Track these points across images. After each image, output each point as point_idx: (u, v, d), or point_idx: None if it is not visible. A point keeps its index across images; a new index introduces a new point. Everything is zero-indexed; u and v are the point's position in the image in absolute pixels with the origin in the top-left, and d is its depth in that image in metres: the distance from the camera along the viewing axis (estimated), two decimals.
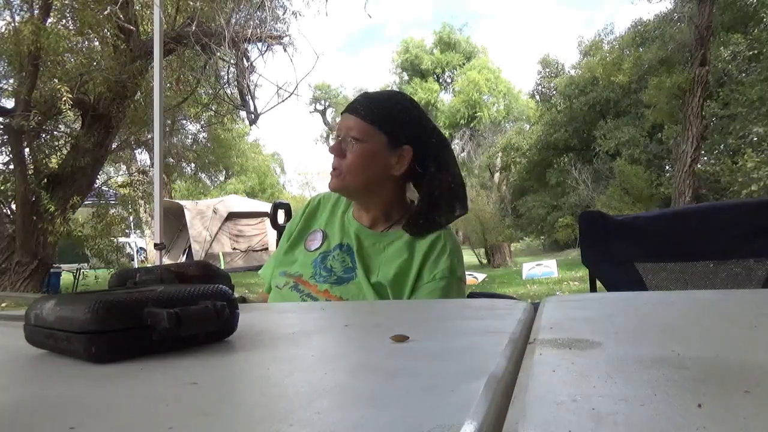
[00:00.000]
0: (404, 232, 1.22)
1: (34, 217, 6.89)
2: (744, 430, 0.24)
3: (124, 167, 13.05)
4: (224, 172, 26.33)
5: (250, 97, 7.93)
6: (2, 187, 7.37)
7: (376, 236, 1.24)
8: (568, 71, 20.81)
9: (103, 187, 9.32)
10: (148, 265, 0.78)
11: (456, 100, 27.22)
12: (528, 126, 23.99)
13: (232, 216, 13.96)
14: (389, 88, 30.01)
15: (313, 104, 30.81)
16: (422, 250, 1.18)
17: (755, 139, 11.25)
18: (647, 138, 15.87)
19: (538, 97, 22.83)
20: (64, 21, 7.19)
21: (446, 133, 26.87)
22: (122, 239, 10.46)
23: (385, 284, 1.16)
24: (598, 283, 1.45)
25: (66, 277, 9.12)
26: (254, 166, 28.38)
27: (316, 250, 1.27)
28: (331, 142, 1.29)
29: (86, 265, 9.45)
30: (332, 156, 1.23)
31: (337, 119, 1.23)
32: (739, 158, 11.10)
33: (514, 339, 0.46)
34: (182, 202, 14.39)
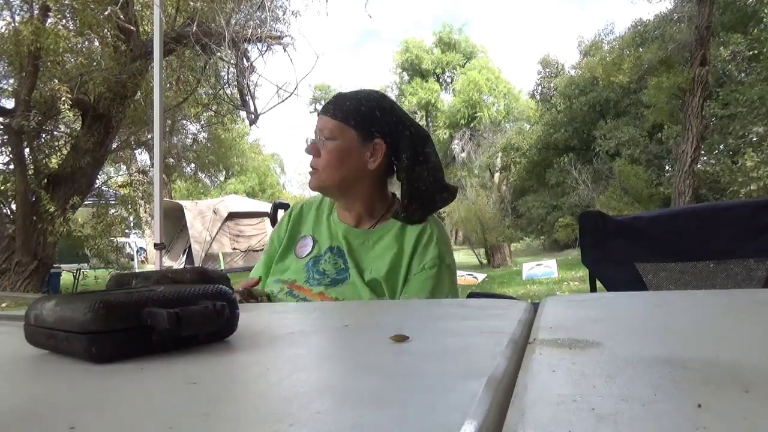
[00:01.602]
0: (391, 226, 1.24)
1: (34, 217, 6.89)
2: (744, 430, 0.24)
3: (124, 167, 13.06)
4: (224, 172, 26.33)
5: (250, 97, 7.93)
6: (2, 187, 7.37)
7: (364, 234, 1.25)
8: (568, 71, 20.79)
9: (103, 187, 9.33)
10: (146, 269, 0.79)
11: (456, 100, 27.19)
12: (528, 126, 23.96)
13: (232, 216, 13.96)
14: (389, 89, 30.06)
15: (313, 104, 30.81)
16: (411, 242, 1.20)
17: (755, 139, 11.23)
18: (647, 138, 15.86)
19: (538, 97, 22.80)
20: (64, 21, 7.19)
21: (446, 133, 26.91)
22: (122, 239, 10.47)
23: (379, 280, 1.17)
24: (598, 283, 1.45)
25: (66, 278, 9.12)
26: (254, 166, 28.39)
27: (307, 255, 1.28)
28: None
29: (86, 265, 9.46)
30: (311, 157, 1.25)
31: None
32: (739, 158, 11.10)
33: (514, 339, 0.46)
34: (182, 202, 14.39)
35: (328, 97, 1.35)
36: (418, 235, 1.20)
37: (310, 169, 1.25)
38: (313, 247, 1.28)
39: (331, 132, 1.21)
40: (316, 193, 1.34)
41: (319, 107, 1.34)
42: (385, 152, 1.23)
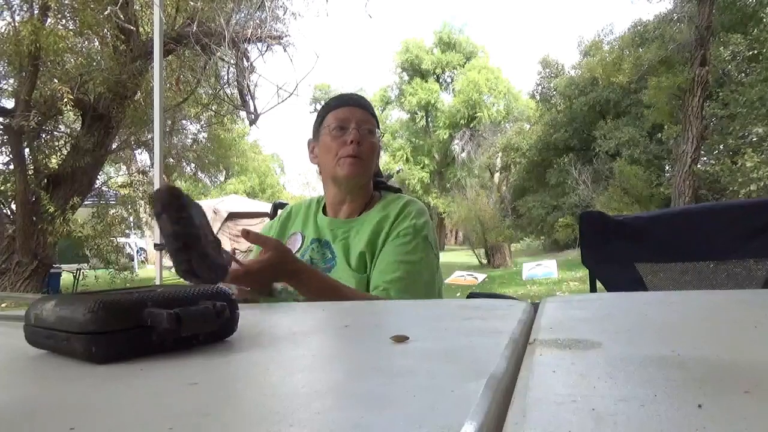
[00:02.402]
0: (374, 211, 1.31)
1: (34, 218, 6.89)
2: (744, 430, 0.24)
3: (124, 167, 13.04)
4: (224, 172, 26.34)
5: (250, 97, 7.93)
6: (2, 187, 7.37)
7: (349, 223, 1.31)
8: (568, 71, 20.78)
9: (103, 187, 9.33)
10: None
11: (456, 100, 27.16)
12: (528, 126, 23.94)
13: (232, 216, 13.96)
14: (389, 89, 30.02)
15: (313, 104, 30.77)
16: (392, 215, 1.27)
17: (755, 139, 11.23)
18: (647, 138, 15.85)
19: (538, 97, 22.79)
20: (63, 21, 7.19)
21: (446, 133, 26.89)
22: (122, 239, 10.47)
23: (363, 251, 1.22)
24: (598, 283, 1.45)
25: (66, 278, 9.12)
26: (254, 166, 28.38)
27: (298, 250, 1.32)
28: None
29: (86, 265, 9.45)
30: (343, 145, 1.28)
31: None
32: (739, 158, 11.09)
33: (514, 339, 0.46)
34: None
35: (329, 97, 1.41)
36: (399, 209, 1.28)
37: (350, 157, 1.27)
38: (302, 241, 1.33)
39: (373, 127, 1.32)
40: (317, 194, 1.38)
41: (319, 106, 1.42)
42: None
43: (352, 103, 1.32)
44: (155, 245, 3.88)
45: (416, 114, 27.97)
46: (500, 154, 22.92)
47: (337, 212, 1.34)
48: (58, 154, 7.95)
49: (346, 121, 1.28)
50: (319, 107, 1.42)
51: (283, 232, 1.41)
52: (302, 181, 36.03)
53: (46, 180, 7.21)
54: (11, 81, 7.70)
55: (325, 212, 1.37)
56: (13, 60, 6.72)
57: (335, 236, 1.29)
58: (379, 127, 1.35)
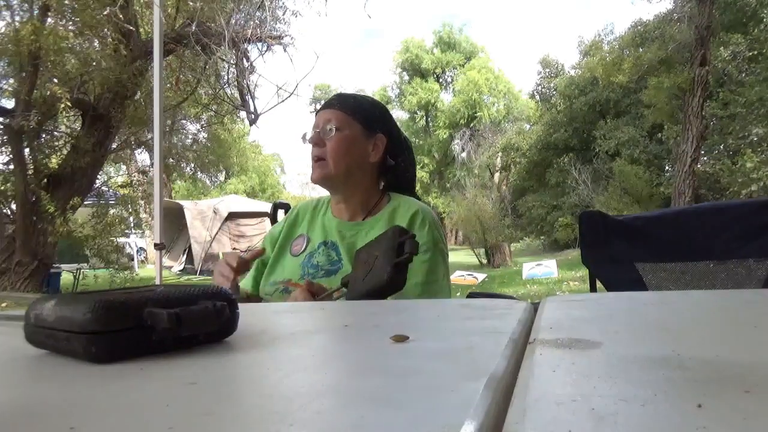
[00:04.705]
0: (383, 215, 1.28)
1: (34, 218, 6.90)
2: (744, 430, 0.24)
3: (124, 167, 13.05)
4: (224, 172, 26.35)
5: (250, 97, 7.93)
6: (2, 187, 7.38)
7: (356, 226, 1.29)
8: (568, 71, 20.81)
9: (103, 187, 9.34)
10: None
11: (456, 99, 27.17)
12: (528, 126, 23.97)
13: (233, 216, 13.96)
14: (389, 89, 30.02)
15: (313, 104, 30.78)
16: (403, 224, 1.22)
17: (755, 139, 11.23)
18: (647, 138, 15.87)
19: (538, 97, 22.82)
20: (63, 21, 7.20)
21: (446, 132, 26.88)
22: (122, 239, 10.48)
23: None
24: (598, 283, 1.45)
25: (66, 277, 9.13)
26: (254, 166, 28.41)
27: (302, 253, 1.30)
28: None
29: (86, 265, 9.46)
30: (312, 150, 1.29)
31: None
32: (739, 158, 11.09)
33: (514, 339, 0.46)
34: (182, 202, 14.38)
35: (328, 97, 1.39)
36: (411, 217, 1.24)
37: (313, 161, 1.28)
38: (307, 244, 1.31)
39: (339, 122, 1.26)
40: (317, 193, 1.36)
41: (319, 106, 1.43)
42: (384, 148, 1.31)
43: (323, 107, 1.32)
44: (155, 245, 3.87)
45: (416, 114, 27.98)
46: (500, 153, 22.94)
47: (341, 213, 1.33)
48: (58, 154, 7.96)
49: (316, 127, 1.29)
50: (318, 107, 1.41)
51: (290, 234, 1.38)
52: (302, 181, 35.99)
53: (46, 180, 7.22)
54: (11, 81, 7.69)
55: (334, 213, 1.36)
56: (13, 60, 6.73)
57: (343, 237, 1.27)
58: (359, 119, 1.28)
